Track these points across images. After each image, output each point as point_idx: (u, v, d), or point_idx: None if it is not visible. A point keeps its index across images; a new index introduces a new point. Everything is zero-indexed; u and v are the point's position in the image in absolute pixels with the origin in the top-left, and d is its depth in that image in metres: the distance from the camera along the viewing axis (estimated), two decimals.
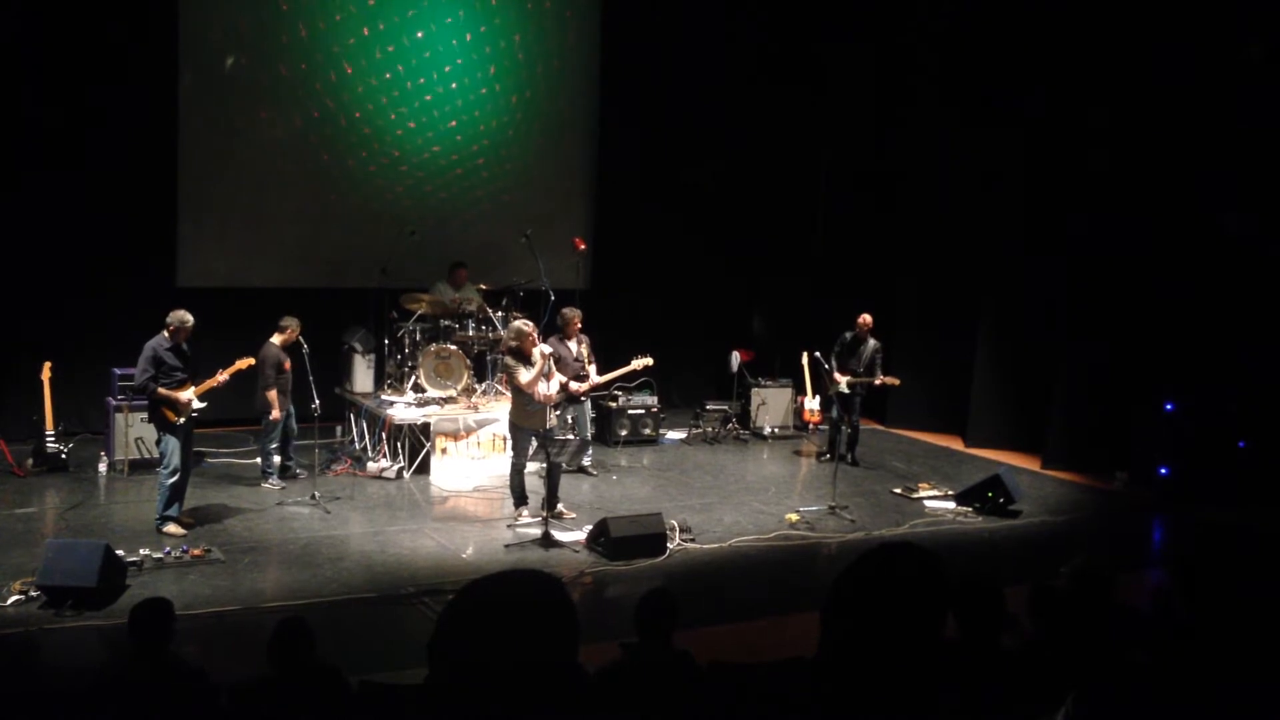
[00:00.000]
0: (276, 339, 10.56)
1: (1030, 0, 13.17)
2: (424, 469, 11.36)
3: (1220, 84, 11.42)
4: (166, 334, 9.21)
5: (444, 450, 11.38)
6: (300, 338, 10.51)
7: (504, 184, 14.14)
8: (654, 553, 9.10)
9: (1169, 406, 11.98)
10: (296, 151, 13.11)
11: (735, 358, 14.29)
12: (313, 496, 10.22)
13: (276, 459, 10.78)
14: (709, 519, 10.27)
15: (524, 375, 9.64)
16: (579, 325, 11.27)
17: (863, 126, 15.37)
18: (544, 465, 9.78)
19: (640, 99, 14.53)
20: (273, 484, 10.65)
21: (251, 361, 9.89)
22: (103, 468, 10.92)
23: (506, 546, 9.30)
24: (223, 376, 9.53)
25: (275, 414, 10.47)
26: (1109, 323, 12.43)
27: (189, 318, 9.27)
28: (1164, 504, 11.56)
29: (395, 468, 11.26)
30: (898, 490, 11.55)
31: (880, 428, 14.62)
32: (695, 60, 14.81)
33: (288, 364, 10.57)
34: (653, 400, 13.44)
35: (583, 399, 11.35)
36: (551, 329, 11.50)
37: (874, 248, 15.20)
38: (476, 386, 12.09)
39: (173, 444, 9.14)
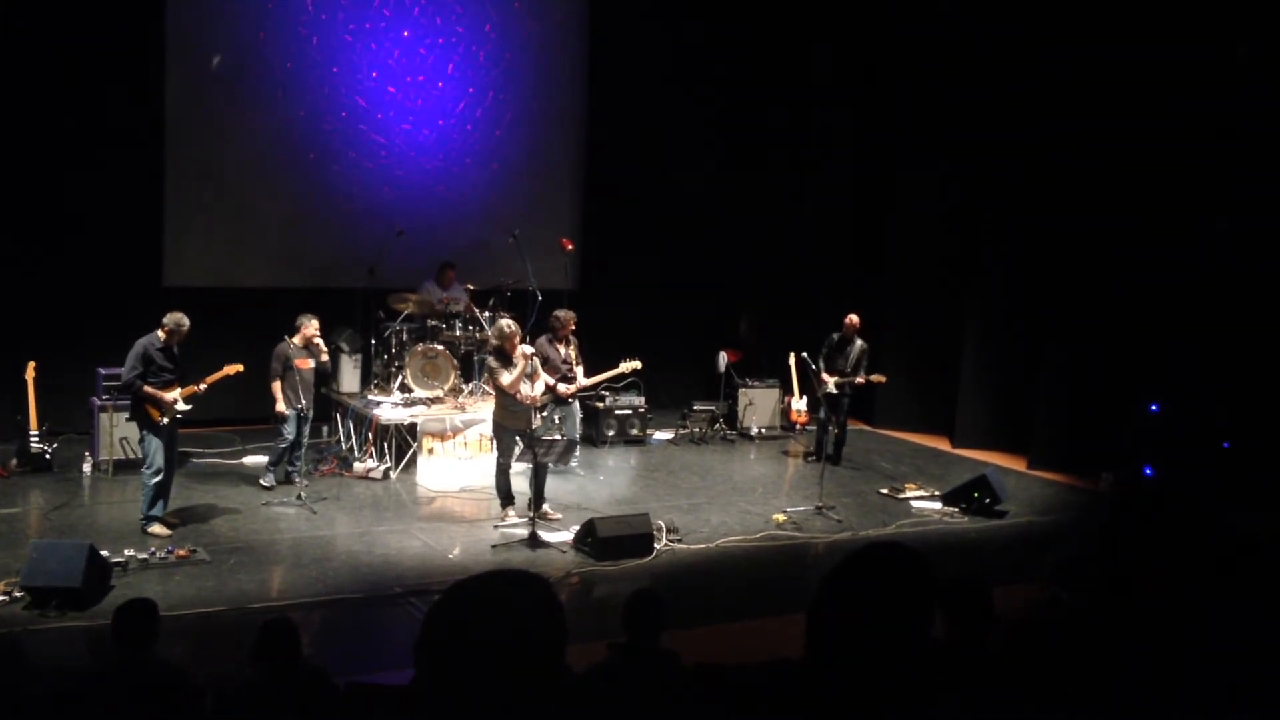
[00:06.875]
0: (296, 338, 10.42)
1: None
2: (411, 469, 11.34)
3: (1212, 82, 11.46)
4: (161, 334, 9.15)
5: (431, 450, 11.36)
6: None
7: (492, 184, 14.11)
8: (641, 553, 9.10)
9: (1154, 407, 12.04)
10: (283, 151, 13.07)
11: (722, 358, 14.30)
12: (299, 497, 10.18)
13: (265, 458, 10.74)
14: (696, 519, 10.27)
15: (505, 377, 9.64)
16: (573, 328, 11.26)
17: (850, 130, 15.40)
18: (530, 465, 9.76)
19: (628, 99, 14.53)
20: (265, 482, 10.57)
21: (239, 368, 9.80)
22: (87, 468, 10.85)
23: (493, 547, 9.29)
24: (203, 386, 9.43)
25: (277, 407, 10.38)
26: (1095, 324, 12.47)
27: (185, 322, 9.19)
28: (1149, 504, 11.60)
29: (382, 468, 11.23)
30: (884, 490, 11.57)
31: (867, 428, 14.65)
32: (684, 61, 14.81)
33: (300, 361, 10.37)
34: (640, 400, 13.44)
35: (570, 400, 11.35)
36: (539, 329, 11.50)
37: (863, 248, 15.26)
38: (463, 387, 12.07)
39: (155, 444, 9.09)
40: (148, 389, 9.04)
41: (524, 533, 9.45)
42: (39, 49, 11.56)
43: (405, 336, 12.17)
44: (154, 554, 8.49)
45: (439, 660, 2.09)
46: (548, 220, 14.11)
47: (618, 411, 13.32)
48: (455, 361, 11.92)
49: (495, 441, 10.26)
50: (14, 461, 10.75)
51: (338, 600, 8.03)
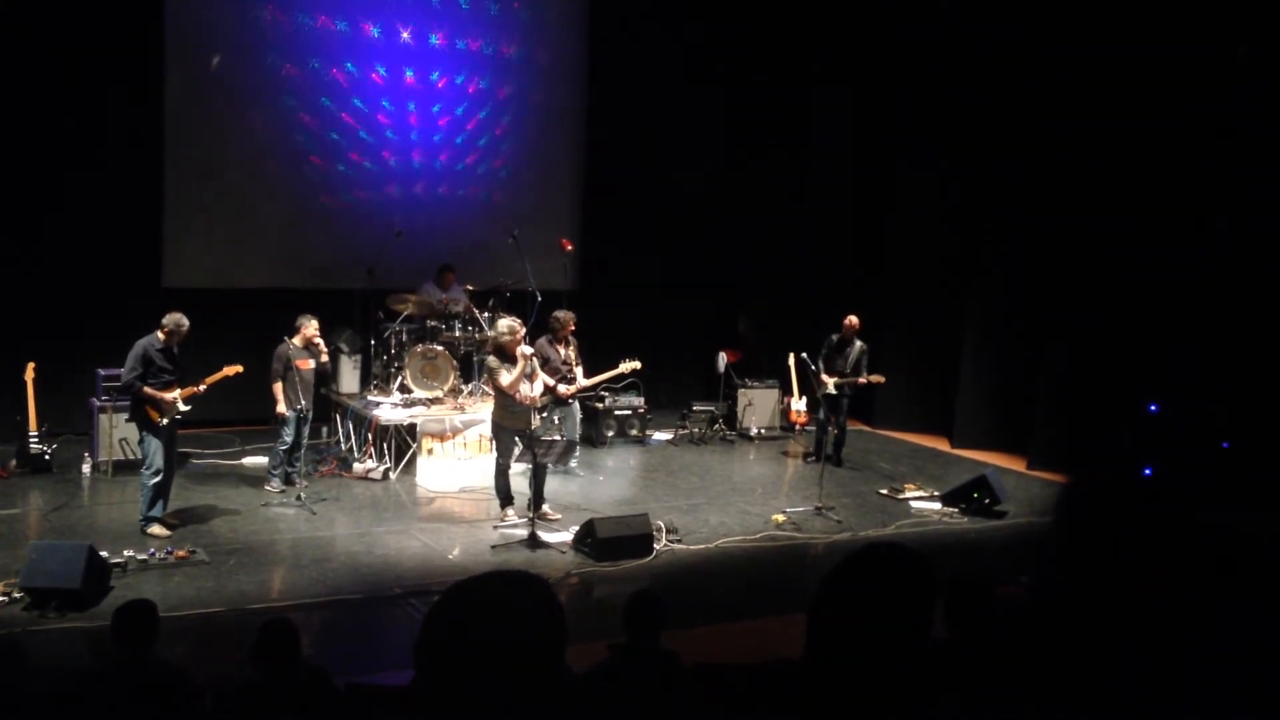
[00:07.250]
0: (296, 339, 10.39)
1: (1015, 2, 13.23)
2: (410, 470, 11.34)
3: (1212, 82, 11.46)
4: (160, 335, 9.13)
5: (430, 451, 11.36)
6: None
7: (492, 185, 14.12)
8: (640, 554, 9.10)
9: (1153, 408, 12.03)
10: (283, 152, 13.07)
11: (722, 358, 14.30)
12: (299, 497, 10.18)
13: (266, 461, 10.70)
14: (695, 520, 10.27)
15: (504, 377, 9.63)
16: (573, 328, 11.26)
17: (850, 130, 15.40)
18: (530, 466, 9.76)
19: (628, 99, 14.53)
20: (271, 487, 10.54)
21: (239, 369, 9.78)
22: (86, 469, 10.84)
23: (493, 547, 9.28)
24: (203, 386, 9.42)
25: (278, 408, 10.36)
26: (1095, 324, 12.47)
27: (185, 322, 9.18)
28: (1147, 504, 11.58)
29: (381, 469, 11.23)
30: (884, 491, 11.57)
31: (867, 429, 14.64)
32: (684, 60, 14.81)
33: (300, 362, 10.32)
34: (639, 401, 13.44)
35: (570, 401, 11.35)
36: (539, 330, 11.49)
37: (863, 248, 15.26)
38: (463, 387, 12.07)
39: (154, 444, 9.08)
40: (147, 390, 9.03)
41: (524, 533, 9.44)
42: (39, 49, 11.56)
43: (405, 337, 12.17)
44: (153, 555, 8.48)
45: (439, 661, 2.09)
46: (548, 220, 14.12)
47: (617, 412, 13.32)
48: (455, 362, 11.92)
49: (495, 442, 10.25)
50: (13, 462, 10.74)
51: (337, 601, 8.02)
